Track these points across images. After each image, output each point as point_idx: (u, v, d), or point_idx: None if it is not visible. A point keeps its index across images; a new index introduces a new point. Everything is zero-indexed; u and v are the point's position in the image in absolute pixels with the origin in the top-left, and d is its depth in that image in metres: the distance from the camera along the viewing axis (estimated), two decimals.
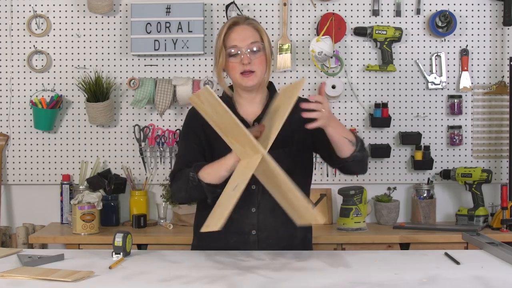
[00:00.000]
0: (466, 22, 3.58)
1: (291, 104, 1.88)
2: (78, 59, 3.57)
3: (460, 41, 3.58)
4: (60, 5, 3.56)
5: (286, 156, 2.20)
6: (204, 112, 1.95)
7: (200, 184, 2.11)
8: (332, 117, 1.99)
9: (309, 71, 3.58)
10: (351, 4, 3.57)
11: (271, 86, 2.33)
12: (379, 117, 3.52)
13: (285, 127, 2.23)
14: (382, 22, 3.57)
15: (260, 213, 2.20)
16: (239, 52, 2.17)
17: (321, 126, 2.00)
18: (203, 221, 2.28)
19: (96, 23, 3.56)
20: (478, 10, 3.58)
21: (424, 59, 3.57)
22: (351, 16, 3.57)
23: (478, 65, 3.59)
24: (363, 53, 3.58)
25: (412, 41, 3.58)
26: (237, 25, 2.20)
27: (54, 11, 3.56)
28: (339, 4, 3.56)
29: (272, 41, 3.56)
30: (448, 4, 3.57)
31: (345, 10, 3.56)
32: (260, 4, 3.56)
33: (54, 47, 3.57)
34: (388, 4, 3.58)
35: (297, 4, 3.57)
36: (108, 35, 3.57)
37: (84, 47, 3.57)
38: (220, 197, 1.96)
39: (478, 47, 3.58)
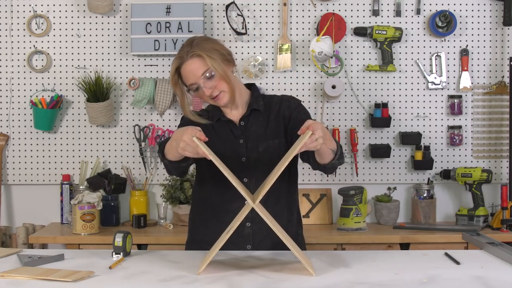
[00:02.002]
0: (466, 22, 3.58)
1: (290, 158, 1.89)
2: (78, 59, 3.57)
3: (460, 41, 3.58)
4: (60, 5, 3.56)
5: (274, 148, 2.27)
6: (207, 149, 1.96)
7: (165, 162, 2.19)
8: (326, 134, 1.98)
9: (309, 71, 3.58)
10: (351, 4, 3.57)
11: (253, 86, 2.40)
12: (379, 117, 3.52)
13: (274, 121, 2.33)
14: (382, 22, 3.57)
15: None
16: (198, 86, 2.23)
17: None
18: (198, 216, 2.37)
19: (96, 23, 3.56)
20: (478, 10, 3.58)
21: (424, 59, 3.57)
22: (351, 16, 3.57)
23: (478, 65, 3.59)
24: (363, 53, 3.58)
25: (412, 41, 3.58)
26: (183, 63, 2.22)
27: (54, 11, 3.56)
28: (339, 4, 3.56)
29: (272, 41, 3.57)
30: (448, 4, 3.57)
31: (345, 10, 3.56)
32: (260, 4, 3.56)
33: (54, 47, 3.57)
34: (388, 4, 3.58)
35: (297, 4, 3.57)
36: (108, 35, 3.57)
37: (84, 47, 3.57)
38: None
39: (478, 47, 3.58)
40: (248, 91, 2.38)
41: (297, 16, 3.57)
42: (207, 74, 2.21)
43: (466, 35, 3.58)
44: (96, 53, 3.57)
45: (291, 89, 3.56)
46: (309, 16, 3.57)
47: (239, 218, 1.92)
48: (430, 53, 3.57)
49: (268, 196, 2.23)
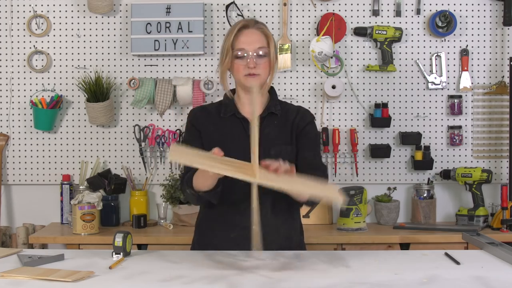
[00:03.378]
0: (466, 22, 3.58)
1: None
2: (78, 59, 3.57)
3: (460, 41, 3.58)
4: (60, 5, 3.56)
5: (287, 154, 2.25)
6: (188, 160, 1.95)
7: (200, 195, 2.17)
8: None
9: (309, 71, 3.58)
10: (351, 4, 3.57)
11: (272, 90, 2.38)
12: (379, 117, 3.52)
13: (289, 128, 2.30)
14: (382, 22, 3.57)
15: (262, 208, 2.20)
16: (245, 55, 2.22)
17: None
18: (206, 218, 2.35)
19: (96, 23, 3.56)
20: (478, 10, 3.58)
21: (424, 59, 3.57)
22: (351, 16, 3.57)
23: (478, 65, 3.59)
24: (363, 53, 3.58)
25: (412, 41, 3.58)
26: (247, 28, 2.24)
27: (54, 11, 3.56)
28: (339, 4, 3.56)
29: None
30: (448, 4, 3.57)
31: (345, 10, 3.56)
32: (260, 4, 3.56)
33: (54, 47, 3.57)
34: (388, 4, 3.58)
35: (297, 4, 3.57)
36: (108, 35, 3.57)
37: (84, 47, 3.57)
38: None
39: (478, 47, 3.58)
40: (268, 93, 2.37)
41: (297, 16, 3.57)
42: (261, 52, 2.22)
43: (466, 35, 3.58)
44: (96, 53, 3.57)
45: (291, 89, 3.56)
46: (309, 16, 3.57)
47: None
48: (430, 53, 3.57)
49: (275, 203, 2.24)
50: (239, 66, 2.23)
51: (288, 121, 2.32)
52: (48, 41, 3.57)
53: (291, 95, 3.55)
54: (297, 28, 3.57)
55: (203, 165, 1.91)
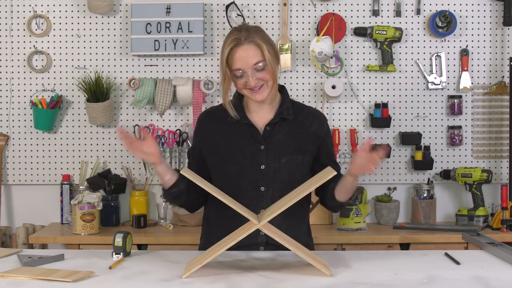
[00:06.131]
0: (466, 22, 3.58)
1: (307, 191, 1.92)
2: (78, 59, 3.57)
3: (460, 41, 3.58)
4: (60, 5, 3.56)
5: (298, 164, 2.22)
6: (198, 180, 1.97)
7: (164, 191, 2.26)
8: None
9: (309, 71, 3.58)
10: (351, 4, 3.57)
11: (283, 90, 2.30)
12: (379, 117, 3.52)
13: (304, 136, 2.25)
14: (382, 22, 3.57)
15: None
16: (243, 74, 2.15)
17: (356, 174, 2.13)
18: (211, 215, 2.33)
19: (96, 23, 3.56)
20: (478, 10, 3.58)
21: (424, 59, 3.57)
22: (351, 16, 3.57)
23: (478, 65, 3.59)
24: (363, 53, 3.58)
25: (412, 41, 3.58)
26: (239, 46, 2.14)
27: (54, 11, 3.56)
28: (339, 4, 3.56)
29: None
30: (448, 4, 3.57)
31: (345, 10, 3.56)
32: (260, 4, 3.56)
33: (54, 47, 3.57)
34: (388, 4, 3.58)
35: (297, 4, 3.57)
36: (108, 35, 3.57)
37: (84, 47, 3.57)
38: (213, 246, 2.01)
39: (478, 47, 3.58)
40: (279, 94, 2.29)
41: (297, 16, 3.57)
42: (260, 65, 2.13)
43: (466, 35, 3.58)
44: (96, 53, 3.57)
45: (291, 89, 3.56)
46: (309, 16, 3.57)
47: (240, 236, 1.88)
48: (430, 53, 3.57)
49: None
50: (240, 85, 2.18)
51: (302, 128, 2.25)
52: (48, 41, 3.57)
53: (291, 95, 3.53)
54: (297, 28, 3.57)
55: (212, 190, 1.92)
